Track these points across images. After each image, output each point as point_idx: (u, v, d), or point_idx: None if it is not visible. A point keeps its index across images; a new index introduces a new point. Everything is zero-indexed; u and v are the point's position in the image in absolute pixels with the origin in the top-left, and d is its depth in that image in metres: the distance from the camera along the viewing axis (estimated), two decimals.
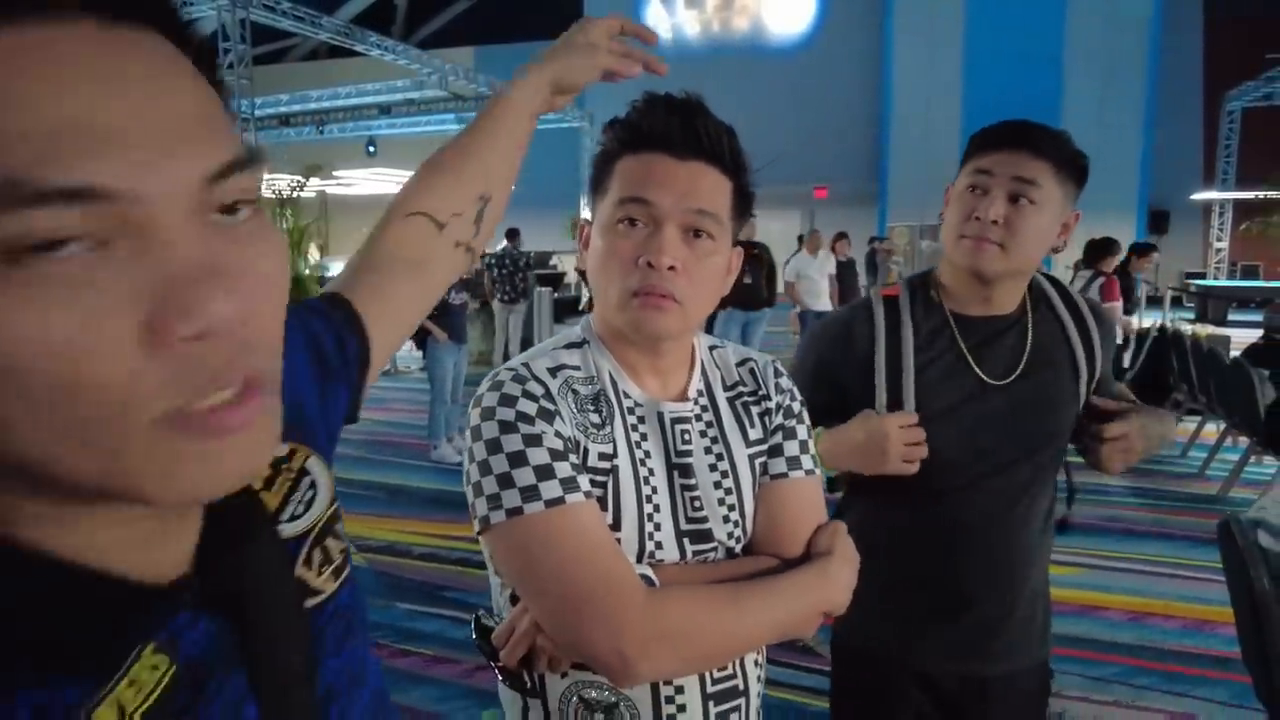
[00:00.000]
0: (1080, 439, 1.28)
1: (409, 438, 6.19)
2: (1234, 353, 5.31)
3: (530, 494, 0.81)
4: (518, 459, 0.83)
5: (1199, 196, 18.10)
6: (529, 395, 0.86)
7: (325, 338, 0.66)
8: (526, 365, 0.90)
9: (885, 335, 1.29)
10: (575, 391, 0.90)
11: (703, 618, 0.82)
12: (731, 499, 0.93)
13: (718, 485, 0.93)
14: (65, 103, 0.32)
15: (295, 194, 10.77)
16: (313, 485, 0.56)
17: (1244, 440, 5.00)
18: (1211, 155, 18.37)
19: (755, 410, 0.98)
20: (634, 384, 0.93)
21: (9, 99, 0.31)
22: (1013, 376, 1.26)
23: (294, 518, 0.54)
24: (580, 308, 10.14)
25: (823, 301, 8.05)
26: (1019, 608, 1.30)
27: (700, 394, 0.97)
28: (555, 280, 11.99)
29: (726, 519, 0.93)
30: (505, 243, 9.09)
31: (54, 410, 0.32)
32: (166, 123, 0.34)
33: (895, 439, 1.20)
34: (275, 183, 10.79)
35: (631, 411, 0.92)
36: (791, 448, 0.98)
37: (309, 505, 0.55)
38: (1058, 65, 18.13)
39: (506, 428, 0.84)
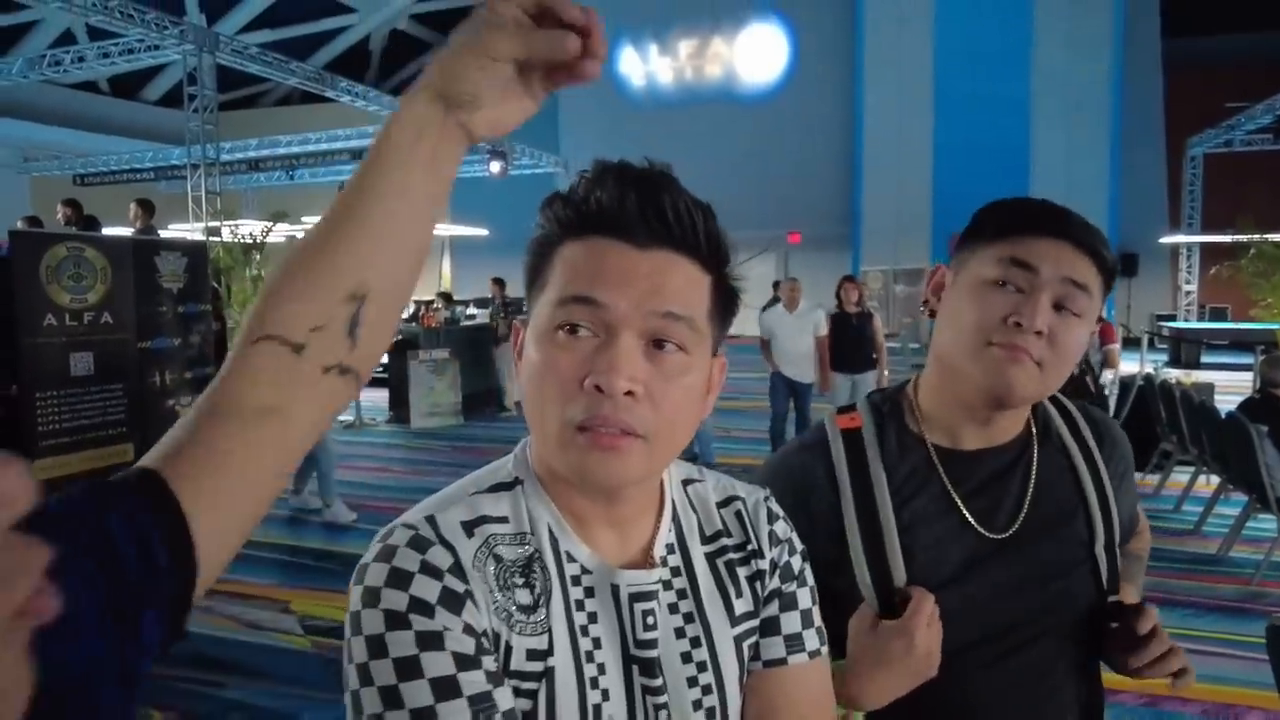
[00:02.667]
0: (1113, 653, 0.96)
1: (372, 499, 5.84)
2: (1220, 398, 5.16)
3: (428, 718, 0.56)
4: (408, 668, 0.58)
5: (1166, 240, 18.36)
6: (429, 571, 0.61)
7: (122, 546, 0.47)
8: (431, 520, 0.65)
9: (851, 485, 0.98)
10: (498, 558, 0.65)
11: None
12: (711, 700, 0.69)
13: (693, 683, 0.68)
14: None
15: (263, 239, 10.49)
16: None
17: (1240, 494, 4.82)
18: (1176, 199, 18.71)
19: (743, 572, 0.74)
20: (580, 544, 0.68)
21: None
22: (1015, 526, 0.96)
23: None
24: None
25: (804, 371, 6.15)
26: None
27: (670, 551, 0.72)
28: None
29: None
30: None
31: None
32: None
33: (925, 640, 0.87)
34: (242, 227, 10.52)
35: (576, 581, 0.67)
36: (791, 622, 0.74)
37: None
38: (1025, 111, 18.48)
39: (394, 620, 0.59)
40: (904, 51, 18.84)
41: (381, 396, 9.89)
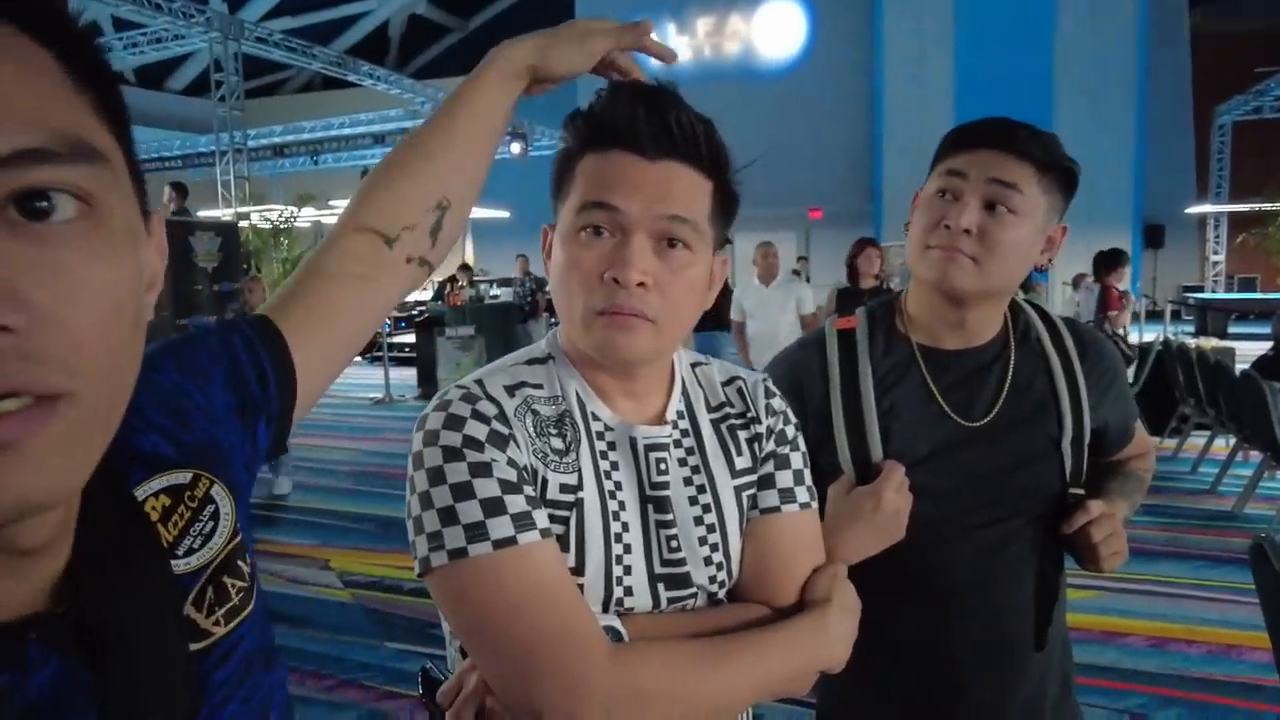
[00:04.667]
0: (1067, 540, 1.07)
1: (401, 469, 6.03)
2: (1241, 365, 5.19)
3: (476, 532, 0.70)
4: (462, 491, 0.71)
5: (1194, 210, 18.10)
6: (479, 417, 0.74)
7: (245, 365, 0.61)
8: (479, 383, 0.79)
9: (840, 375, 1.10)
10: (535, 413, 0.78)
11: (678, 677, 0.71)
12: (714, 537, 0.82)
13: (698, 521, 0.81)
14: None
15: (290, 223, 10.73)
16: (214, 516, 0.52)
17: (1256, 455, 4.87)
18: (1204, 169, 18.42)
19: (743, 435, 0.86)
20: (604, 406, 0.81)
21: None
22: (989, 417, 1.08)
23: (190, 551, 0.50)
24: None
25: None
26: (1023, 688, 1.11)
27: (680, 417, 0.85)
28: (549, 305, 11.96)
29: (708, 560, 0.81)
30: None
31: None
32: None
33: (892, 501, 1.00)
34: (270, 212, 10.76)
35: (600, 436, 0.80)
36: (784, 478, 0.86)
37: (207, 538, 0.51)
38: (1048, 82, 18.21)
39: (450, 454, 0.72)
40: (924, 25, 18.63)
41: (410, 374, 10.11)
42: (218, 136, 10.70)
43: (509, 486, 0.72)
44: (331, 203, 14.72)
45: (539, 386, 0.81)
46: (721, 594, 0.82)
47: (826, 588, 0.82)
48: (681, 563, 0.79)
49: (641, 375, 0.82)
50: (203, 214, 9.74)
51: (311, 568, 4.15)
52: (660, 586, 0.78)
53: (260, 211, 10.59)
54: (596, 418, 0.81)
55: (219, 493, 0.53)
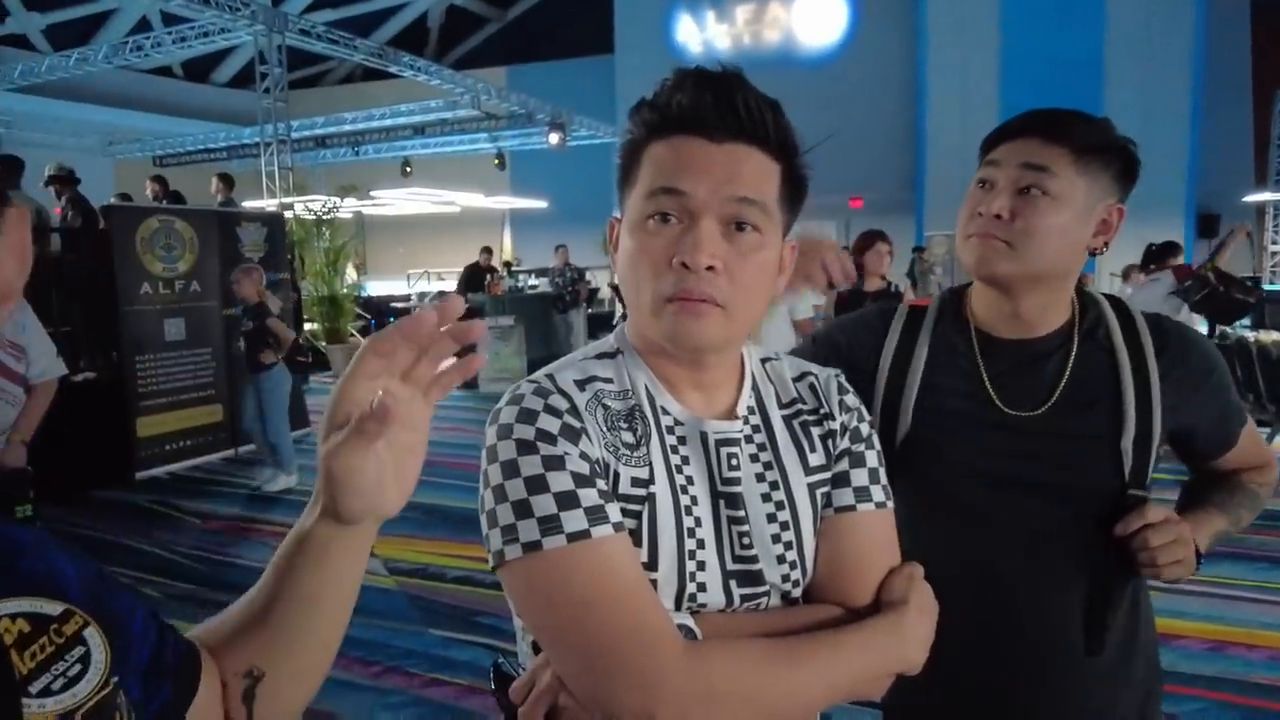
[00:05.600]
0: (1124, 543, 1.02)
1: (446, 456, 6.11)
2: None
3: (550, 525, 0.69)
4: (536, 484, 0.70)
5: (1251, 198, 17.49)
6: (551, 411, 0.74)
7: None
8: (550, 377, 0.78)
9: (897, 346, 1.14)
10: (606, 407, 0.77)
11: (752, 677, 0.69)
12: (788, 535, 0.80)
13: (771, 519, 0.79)
14: None
15: (332, 214, 10.86)
16: (83, 660, 0.48)
17: None
18: (1263, 155, 17.77)
19: (816, 432, 0.84)
20: (673, 400, 0.80)
21: None
22: (1040, 409, 1.05)
23: (46, 692, 0.45)
24: (614, 322, 10.18)
25: None
26: (1078, 696, 1.05)
27: (751, 412, 0.83)
28: (590, 295, 11.98)
29: (781, 559, 0.79)
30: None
31: None
32: None
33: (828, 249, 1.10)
34: (312, 203, 10.91)
35: (671, 431, 0.79)
36: (859, 476, 0.84)
37: (70, 682, 0.47)
38: (1098, 68, 17.69)
39: (525, 448, 0.72)
40: (969, 9, 18.22)
41: (449, 363, 10.20)
42: (261, 128, 10.86)
43: (582, 480, 0.71)
44: (373, 193, 14.89)
45: (609, 381, 0.80)
46: (796, 593, 0.80)
47: (904, 588, 0.80)
48: (754, 560, 0.78)
49: (711, 366, 0.80)
50: (247, 204, 9.93)
51: None
52: (733, 584, 0.77)
53: (303, 202, 10.74)
54: (666, 411, 0.79)
55: (92, 636, 0.49)
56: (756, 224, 0.75)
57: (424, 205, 16.74)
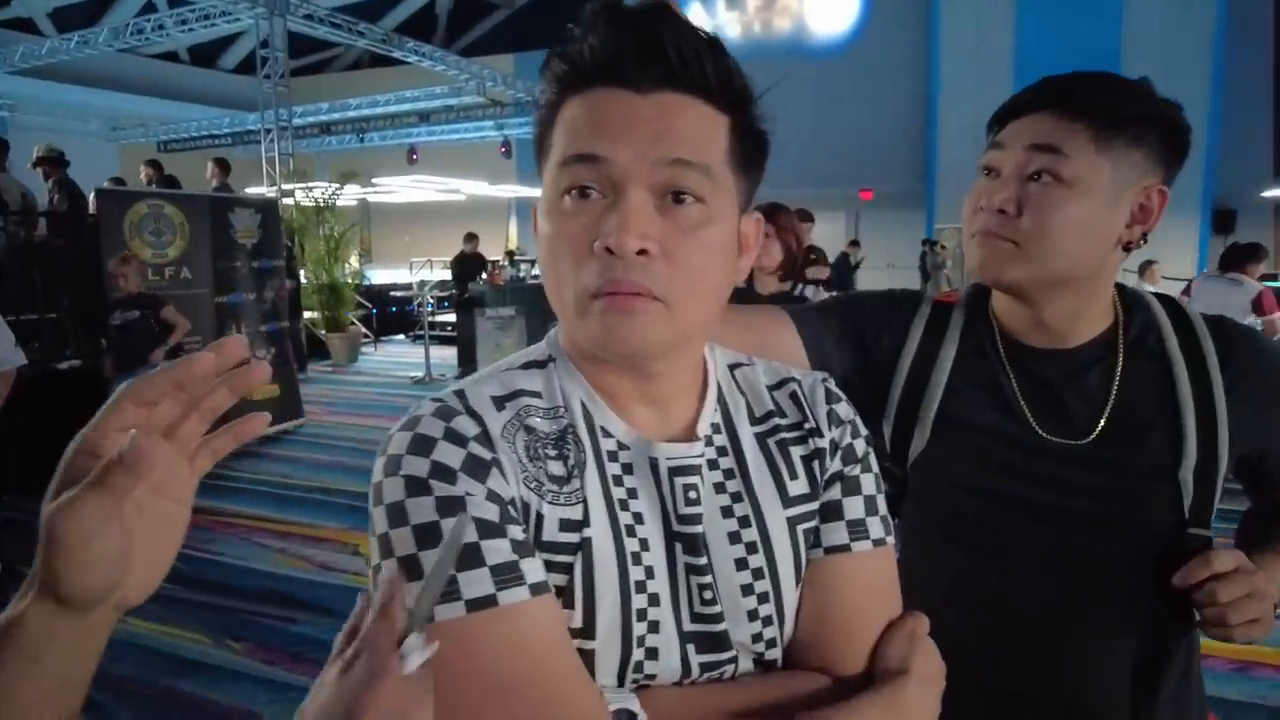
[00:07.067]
0: (1188, 595, 0.84)
1: None
2: None
3: (446, 590, 0.53)
4: (428, 536, 0.54)
5: (1270, 194, 17.16)
6: (453, 438, 0.57)
7: None
8: (461, 393, 0.61)
9: (920, 343, 0.95)
10: (530, 430, 0.61)
11: None
12: (762, 585, 0.64)
13: (741, 565, 0.63)
14: None
15: (333, 200, 10.72)
16: None
17: None
18: None
19: (798, 453, 0.68)
20: (616, 418, 0.63)
21: None
22: (1081, 441, 0.87)
23: None
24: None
25: None
26: None
27: (716, 431, 0.67)
28: None
29: (753, 614, 0.63)
30: None
31: None
32: None
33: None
34: (315, 190, 10.78)
35: (613, 457, 0.62)
36: (854, 507, 0.67)
37: None
38: (1115, 60, 17.38)
39: (415, 487, 0.55)
40: (982, 0, 17.93)
41: (451, 354, 10.09)
42: (262, 114, 10.71)
43: (489, 529, 0.55)
44: (375, 181, 14.75)
45: (537, 395, 0.63)
46: (772, 654, 0.64)
47: (903, 652, 0.64)
48: (718, 619, 0.61)
49: (660, 375, 0.63)
50: (250, 190, 9.79)
51: (343, 553, 4.07)
52: (691, 649, 0.61)
53: (303, 188, 10.60)
54: (607, 433, 0.63)
55: None
56: (698, 192, 0.58)
57: (429, 193, 16.60)
